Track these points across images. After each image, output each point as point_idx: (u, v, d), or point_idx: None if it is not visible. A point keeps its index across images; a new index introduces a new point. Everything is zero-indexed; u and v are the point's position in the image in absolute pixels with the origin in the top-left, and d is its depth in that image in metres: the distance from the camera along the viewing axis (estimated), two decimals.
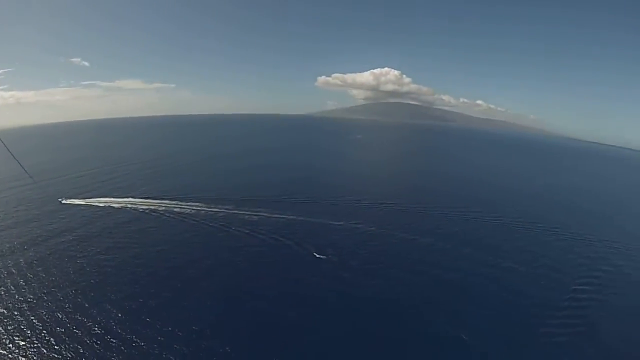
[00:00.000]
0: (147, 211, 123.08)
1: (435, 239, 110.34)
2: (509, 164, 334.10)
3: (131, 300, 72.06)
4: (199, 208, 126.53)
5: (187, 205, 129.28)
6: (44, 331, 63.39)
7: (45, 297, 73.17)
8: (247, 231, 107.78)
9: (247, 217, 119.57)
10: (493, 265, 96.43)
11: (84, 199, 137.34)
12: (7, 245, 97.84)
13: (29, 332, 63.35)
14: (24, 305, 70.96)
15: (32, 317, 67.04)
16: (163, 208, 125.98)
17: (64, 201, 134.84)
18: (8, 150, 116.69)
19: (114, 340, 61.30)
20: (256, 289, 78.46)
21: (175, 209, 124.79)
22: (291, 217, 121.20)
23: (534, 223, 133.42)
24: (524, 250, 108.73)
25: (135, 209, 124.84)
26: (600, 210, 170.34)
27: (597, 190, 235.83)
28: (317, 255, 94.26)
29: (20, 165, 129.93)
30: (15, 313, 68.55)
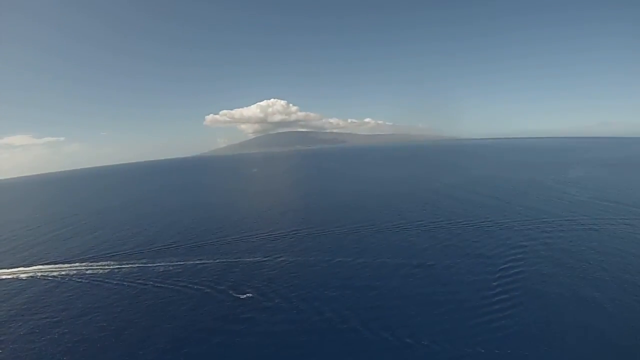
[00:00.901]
0: (59, 278, 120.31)
1: (353, 256, 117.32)
2: (402, 173, 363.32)
3: None
4: (112, 267, 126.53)
5: (99, 265, 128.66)
6: None
7: None
8: (165, 285, 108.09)
9: (162, 269, 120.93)
10: (417, 266, 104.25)
11: None
12: None
13: None
14: None
15: None
16: (75, 272, 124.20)
17: None
18: None
19: None
20: (188, 344, 78.10)
21: (87, 272, 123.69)
22: (206, 261, 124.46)
23: (443, 221, 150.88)
24: (440, 248, 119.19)
25: (46, 277, 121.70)
26: (496, 197, 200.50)
27: (485, 181, 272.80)
28: (241, 296, 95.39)
29: None
30: None
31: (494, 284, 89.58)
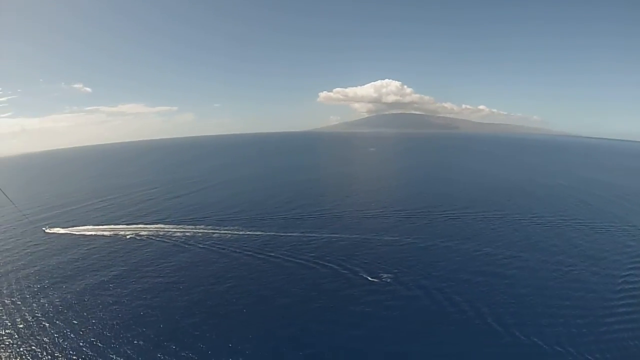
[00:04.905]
0: (183, 239, 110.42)
1: (483, 245, 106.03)
2: (524, 167, 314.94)
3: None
4: (239, 233, 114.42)
5: (226, 230, 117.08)
6: None
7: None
8: (295, 259, 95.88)
9: (286, 239, 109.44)
10: (544, 261, 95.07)
11: (125, 224, 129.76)
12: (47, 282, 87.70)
13: None
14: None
15: None
16: (200, 234, 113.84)
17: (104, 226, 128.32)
18: None
19: None
20: (324, 324, 69.16)
21: (214, 235, 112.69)
22: (330, 235, 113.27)
23: (570, 220, 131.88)
24: (569, 246, 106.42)
25: (170, 237, 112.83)
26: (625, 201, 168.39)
27: (609, 183, 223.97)
28: (371, 279, 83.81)
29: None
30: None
31: (618, 288, 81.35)
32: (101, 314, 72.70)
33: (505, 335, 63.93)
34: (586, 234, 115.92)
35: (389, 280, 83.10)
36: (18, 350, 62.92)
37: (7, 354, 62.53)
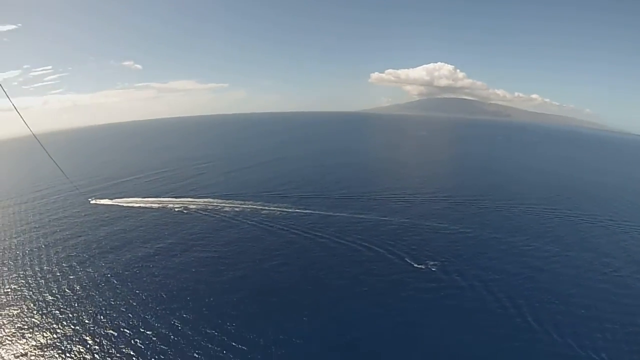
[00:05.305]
0: (231, 214, 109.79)
1: (528, 237, 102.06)
2: (575, 161, 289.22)
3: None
4: (288, 210, 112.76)
5: (275, 206, 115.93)
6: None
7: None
8: (335, 237, 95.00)
9: (334, 219, 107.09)
10: (591, 261, 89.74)
11: (174, 197, 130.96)
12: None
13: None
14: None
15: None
16: (249, 210, 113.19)
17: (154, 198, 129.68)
18: (48, 154, 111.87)
19: None
20: (369, 308, 68.49)
21: (263, 212, 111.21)
22: (379, 217, 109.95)
23: (621, 221, 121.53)
24: (616, 248, 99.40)
25: (218, 212, 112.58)
26: None
27: None
28: (417, 266, 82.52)
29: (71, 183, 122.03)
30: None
31: None
32: (147, 284, 72.76)
33: (543, 336, 61.74)
34: (635, 238, 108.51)
35: (434, 268, 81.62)
36: (63, 316, 63.17)
37: (52, 319, 62.20)
